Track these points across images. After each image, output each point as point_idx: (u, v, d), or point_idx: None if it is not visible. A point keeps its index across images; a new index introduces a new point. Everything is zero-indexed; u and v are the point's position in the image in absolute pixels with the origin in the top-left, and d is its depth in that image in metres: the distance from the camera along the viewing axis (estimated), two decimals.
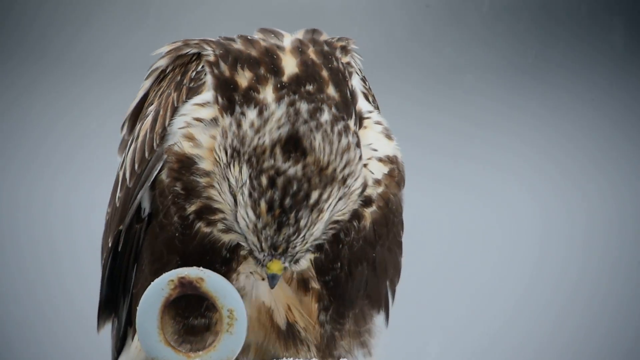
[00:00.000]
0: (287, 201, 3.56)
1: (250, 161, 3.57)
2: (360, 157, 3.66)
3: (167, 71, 3.92)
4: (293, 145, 3.58)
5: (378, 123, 3.87)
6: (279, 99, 3.63)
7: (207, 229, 3.71)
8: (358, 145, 3.66)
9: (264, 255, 3.60)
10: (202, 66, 3.78)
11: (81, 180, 7.45)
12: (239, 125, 3.60)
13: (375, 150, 3.83)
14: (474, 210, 7.62)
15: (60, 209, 7.40)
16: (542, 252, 7.64)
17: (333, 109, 3.64)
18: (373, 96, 3.96)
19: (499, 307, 7.51)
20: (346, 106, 3.72)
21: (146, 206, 3.81)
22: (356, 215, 3.79)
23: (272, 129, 3.57)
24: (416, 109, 7.49)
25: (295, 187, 3.57)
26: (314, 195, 3.57)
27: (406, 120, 7.29)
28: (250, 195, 3.56)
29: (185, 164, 3.71)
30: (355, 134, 3.66)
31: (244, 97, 3.66)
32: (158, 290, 3.66)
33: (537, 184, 7.73)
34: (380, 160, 3.83)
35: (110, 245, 3.92)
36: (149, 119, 3.82)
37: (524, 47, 7.74)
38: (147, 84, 3.99)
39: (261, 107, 3.61)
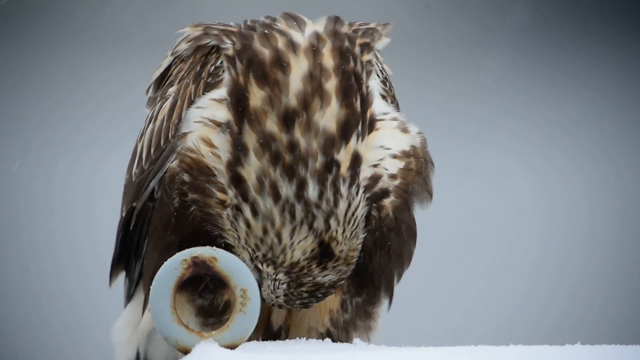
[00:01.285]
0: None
1: (288, 273, 3.76)
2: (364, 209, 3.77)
3: (189, 54, 3.96)
4: (326, 255, 3.74)
5: (393, 119, 3.93)
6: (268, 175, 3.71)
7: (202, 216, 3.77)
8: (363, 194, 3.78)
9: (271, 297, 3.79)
10: (221, 61, 3.82)
11: (86, 156, 7.45)
12: (247, 225, 3.75)
13: (389, 148, 3.88)
14: (478, 193, 7.63)
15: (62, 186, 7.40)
16: (546, 235, 7.66)
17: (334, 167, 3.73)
18: (393, 96, 4.00)
19: (504, 289, 7.53)
20: (350, 121, 3.75)
21: (154, 184, 3.89)
22: (376, 206, 3.85)
23: (295, 236, 3.70)
24: (421, 91, 7.51)
25: (325, 288, 3.78)
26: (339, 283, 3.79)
27: (410, 102, 7.30)
28: (285, 295, 3.79)
29: (203, 171, 3.79)
30: (358, 186, 3.74)
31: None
32: (171, 269, 3.66)
33: (541, 166, 7.75)
34: (394, 156, 3.89)
35: (124, 215, 4.02)
36: (167, 105, 3.90)
37: (529, 33, 7.75)
38: (169, 58, 4.06)
39: (253, 205, 3.70)
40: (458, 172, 7.57)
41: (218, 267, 3.67)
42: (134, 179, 3.97)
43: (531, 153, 7.74)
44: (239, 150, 3.71)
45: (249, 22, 3.87)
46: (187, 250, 3.68)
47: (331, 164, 3.69)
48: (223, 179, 3.76)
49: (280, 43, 3.79)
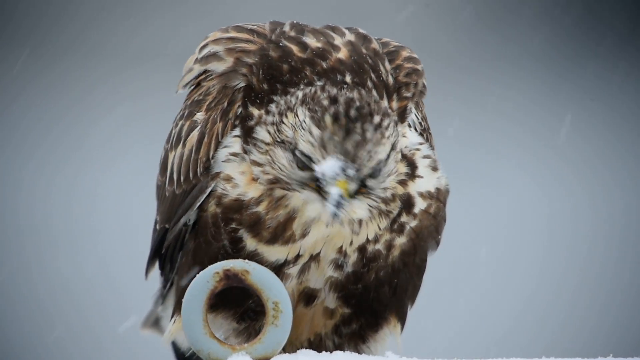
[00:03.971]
0: (352, 112, 3.68)
1: (305, 102, 3.74)
2: (397, 138, 3.78)
3: (218, 87, 4.02)
4: (344, 83, 3.81)
5: (427, 156, 3.96)
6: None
7: (254, 246, 3.78)
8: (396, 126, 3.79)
9: (332, 174, 3.68)
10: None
11: (87, 168, 7.43)
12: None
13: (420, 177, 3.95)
14: (481, 200, 7.65)
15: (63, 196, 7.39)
16: (549, 244, 7.69)
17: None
18: (429, 140, 4.03)
19: (507, 298, 7.54)
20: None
21: (192, 218, 3.93)
22: (388, 245, 3.89)
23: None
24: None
25: (357, 103, 3.70)
26: (377, 117, 3.71)
27: None
28: (312, 117, 3.70)
29: (235, 207, 3.85)
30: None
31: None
32: (203, 282, 3.67)
33: (544, 175, 7.78)
34: (420, 194, 3.93)
35: (157, 228, 4.09)
36: (195, 136, 3.95)
37: (536, 41, 7.78)
38: (198, 66, 4.10)
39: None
40: (458, 180, 7.60)
41: (250, 280, 3.68)
42: (167, 195, 4.03)
43: (535, 162, 7.77)
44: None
45: (275, 40, 3.93)
46: (219, 263, 3.69)
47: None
48: (251, 192, 3.82)
49: (300, 61, 3.91)
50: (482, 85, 7.80)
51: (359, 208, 3.77)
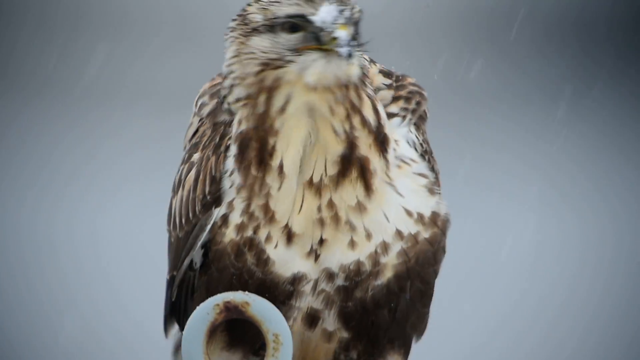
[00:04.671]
0: None
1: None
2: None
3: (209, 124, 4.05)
4: None
5: (421, 175, 3.95)
6: None
7: (269, 268, 3.82)
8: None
9: (332, 18, 3.74)
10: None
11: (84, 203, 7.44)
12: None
13: (402, 196, 3.91)
14: (470, 230, 7.66)
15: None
16: (536, 270, 7.71)
17: None
18: (432, 165, 4.02)
19: (499, 332, 7.55)
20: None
21: (197, 261, 3.94)
22: (373, 261, 3.87)
23: None
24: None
25: None
26: None
27: None
28: None
29: (240, 251, 3.87)
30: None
31: None
32: (203, 314, 3.67)
33: (534, 203, 7.80)
34: (408, 213, 3.91)
35: (167, 278, 4.08)
36: (192, 175, 3.97)
37: (526, 75, 7.83)
38: (197, 119, 4.13)
39: None
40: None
41: (250, 312, 3.68)
42: (172, 241, 4.04)
43: (524, 189, 7.80)
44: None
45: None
46: (219, 295, 3.70)
47: None
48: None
49: None
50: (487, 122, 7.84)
51: (353, 56, 3.79)
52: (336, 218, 3.81)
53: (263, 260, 3.82)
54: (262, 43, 3.81)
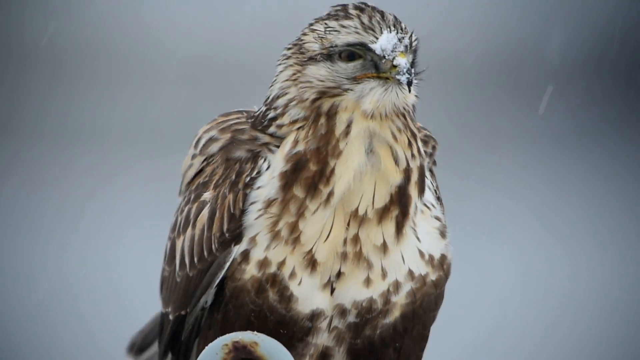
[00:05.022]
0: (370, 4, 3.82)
1: (314, 22, 3.88)
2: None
3: (221, 161, 4.02)
4: None
5: (437, 218, 3.97)
6: None
7: (288, 305, 3.83)
8: None
9: (392, 46, 3.75)
10: (257, 171, 3.89)
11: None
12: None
13: (420, 242, 3.91)
14: (459, 267, 7.69)
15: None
16: (526, 309, 7.73)
17: None
18: (441, 202, 4.06)
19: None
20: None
21: (209, 299, 3.92)
22: (385, 299, 3.88)
23: None
24: None
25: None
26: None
27: None
28: (336, 17, 3.82)
29: (262, 287, 3.85)
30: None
31: None
32: (212, 354, 3.68)
33: (522, 240, 7.84)
34: (422, 255, 3.91)
35: (171, 318, 4.04)
36: (206, 214, 3.93)
37: (511, 113, 7.89)
38: (199, 158, 4.09)
39: None
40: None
41: (259, 352, 3.69)
42: (178, 281, 3.99)
43: (513, 227, 7.84)
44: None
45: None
46: (227, 335, 3.70)
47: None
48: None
49: None
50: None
51: (408, 87, 3.79)
52: (359, 254, 3.80)
53: (286, 297, 3.81)
54: (319, 72, 3.81)
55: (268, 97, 3.92)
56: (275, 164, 3.85)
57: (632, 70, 8.12)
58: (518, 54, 8.03)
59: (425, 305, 3.92)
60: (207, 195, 3.96)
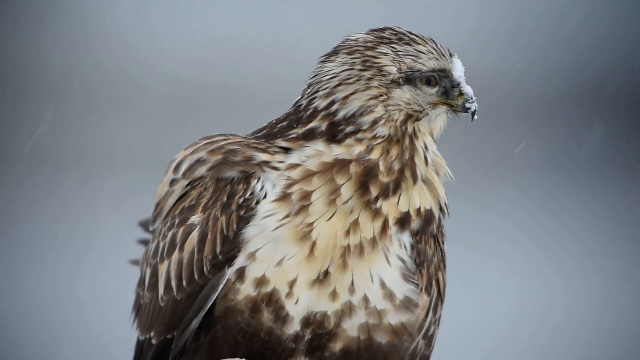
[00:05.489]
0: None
1: (376, 43, 3.96)
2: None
3: (210, 183, 3.99)
4: None
5: (402, 260, 3.94)
6: None
7: (273, 324, 3.79)
8: None
9: (461, 72, 3.94)
10: (251, 193, 3.89)
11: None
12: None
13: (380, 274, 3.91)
14: (457, 289, 7.69)
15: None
16: (519, 331, 7.73)
17: None
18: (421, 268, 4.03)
19: None
20: None
21: (196, 323, 3.88)
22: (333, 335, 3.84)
23: None
24: None
25: None
26: None
27: None
28: (406, 42, 3.94)
29: (257, 307, 3.83)
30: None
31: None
32: None
33: (518, 262, 7.84)
34: (382, 286, 3.90)
35: (154, 343, 4.00)
36: (195, 236, 3.90)
37: (507, 139, 7.90)
38: (182, 182, 4.05)
39: None
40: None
41: None
42: (162, 305, 3.96)
43: (509, 249, 7.85)
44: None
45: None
46: None
47: None
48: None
49: None
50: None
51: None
52: (360, 247, 3.85)
53: (282, 317, 3.78)
54: (405, 95, 3.90)
55: (331, 104, 3.94)
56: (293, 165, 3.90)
57: (627, 95, 8.16)
58: (515, 79, 8.07)
59: (377, 347, 3.87)
60: (196, 218, 3.92)
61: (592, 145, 8.01)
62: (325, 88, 3.94)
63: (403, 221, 3.87)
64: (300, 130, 3.94)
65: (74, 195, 7.65)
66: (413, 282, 3.89)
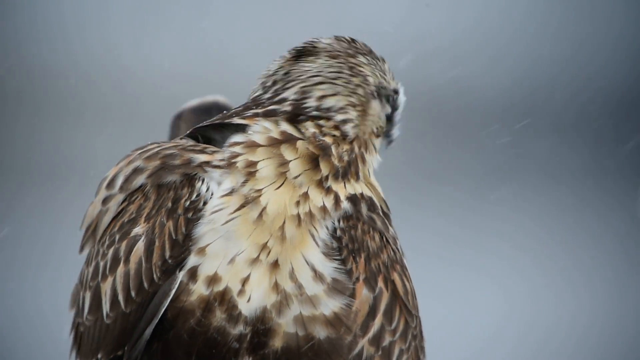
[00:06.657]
0: None
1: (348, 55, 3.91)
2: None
3: (151, 190, 3.88)
4: None
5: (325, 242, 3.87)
6: None
7: (219, 323, 3.74)
8: None
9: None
10: (197, 194, 3.80)
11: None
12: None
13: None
14: (441, 307, 7.67)
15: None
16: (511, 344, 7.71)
17: None
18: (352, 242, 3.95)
19: None
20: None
21: (149, 332, 3.77)
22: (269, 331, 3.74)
23: None
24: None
25: None
26: None
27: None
28: (377, 61, 3.91)
29: (210, 307, 3.75)
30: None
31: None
32: None
33: (504, 274, 7.83)
34: (312, 267, 3.79)
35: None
36: (141, 246, 3.79)
37: (497, 151, 7.90)
38: (119, 197, 3.93)
39: None
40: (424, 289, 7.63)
41: None
42: (108, 323, 3.83)
43: (498, 264, 7.83)
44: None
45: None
46: None
47: None
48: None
49: None
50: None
51: None
52: (309, 214, 3.77)
53: (234, 317, 3.66)
54: (377, 109, 3.89)
55: (304, 97, 3.87)
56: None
57: (618, 104, 8.15)
58: (516, 79, 8.06)
59: (317, 350, 3.76)
60: (139, 230, 3.80)
61: (582, 154, 7.99)
62: (302, 84, 3.86)
63: (354, 200, 3.79)
64: (260, 110, 3.85)
65: (71, 203, 7.69)
66: (336, 260, 3.72)
